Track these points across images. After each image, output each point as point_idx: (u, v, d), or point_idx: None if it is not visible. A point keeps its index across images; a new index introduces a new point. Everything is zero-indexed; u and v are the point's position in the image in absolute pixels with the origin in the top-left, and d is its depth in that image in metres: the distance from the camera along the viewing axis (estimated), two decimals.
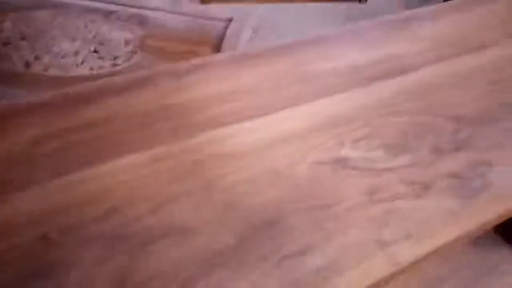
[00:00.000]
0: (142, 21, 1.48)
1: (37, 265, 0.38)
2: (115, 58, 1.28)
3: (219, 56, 0.69)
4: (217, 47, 1.34)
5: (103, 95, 0.55)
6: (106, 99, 0.55)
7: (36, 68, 1.24)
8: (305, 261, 0.39)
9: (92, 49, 1.33)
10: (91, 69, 1.24)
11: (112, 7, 1.56)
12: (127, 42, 1.36)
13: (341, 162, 0.50)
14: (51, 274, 0.37)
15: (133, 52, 1.32)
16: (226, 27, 1.46)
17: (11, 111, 0.53)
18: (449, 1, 0.86)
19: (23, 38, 1.36)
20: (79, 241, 0.40)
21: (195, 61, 0.64)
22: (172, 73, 0.61)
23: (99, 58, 1.30)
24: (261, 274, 0.38)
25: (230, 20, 1.50)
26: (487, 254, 1.02)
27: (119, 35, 1.39)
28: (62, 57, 1.30)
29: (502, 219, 0.48)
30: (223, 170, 0.47)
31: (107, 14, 1.52)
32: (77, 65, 1.25)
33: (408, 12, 0.80)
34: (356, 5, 2.33)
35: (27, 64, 1.26)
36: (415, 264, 0.42)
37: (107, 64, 1.26)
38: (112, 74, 1.21)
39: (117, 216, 0.42)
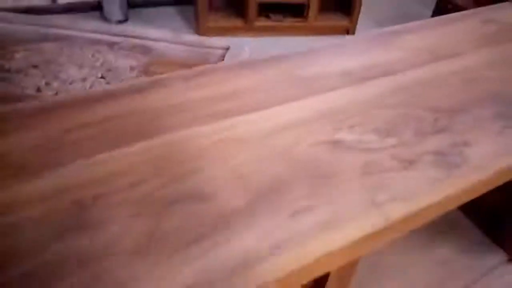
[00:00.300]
0: (145, 51, 1.59)
1: (73, 223, 0.43)
2: (121, 82, 1.37)
3: (220, 64, 0.77)
4: None
5: (125, 94, 0.63)
6: (128, 96, 0.62)
7: (47, 92, 1.32)
8: (308, 217, 0.45)
9: (99, 75, 1.41)
10: None
11: (115, 39, 1.67)
12: (132, 68, 1.45)
13: (337, 143, 0.56)
14: (85, 230, 0.42)
15: (138, 77, 1.41)
16: (223, 54, 1.57)
17: (41, 108, 0.60)
18: (426, 20, 0.97)
19: (34, 66, 1.45)
20: (110, 205, 0.45)
21: (200, 68, 0.72)
22: (181, 77, 0.69)
23: (107, 83, 1.38)
24: (270, 226, 0.44)
25: (227, 48, 1.61)
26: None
27: (124, 63, 1.49)
28: (71, 83, 1.39)
29: (478, 188, 0.54)
30: (233, 151, 0.54)
31: (111, 45, 1.62)
32: (85, 90, 1.33)
33: (392, 28, 0.90)
34: (344, 37, 2.48)
35: (38, 89, 1.33)
36: (404, 223, 0.48)
37: None
38: None
39: (143, 186, 0.48)
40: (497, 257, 1.22)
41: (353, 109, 0.63)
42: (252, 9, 2.59)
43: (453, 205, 0.54)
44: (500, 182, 0.57)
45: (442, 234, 1.26)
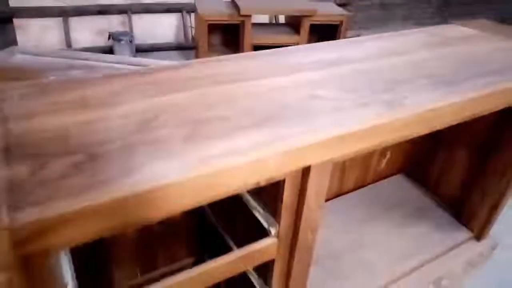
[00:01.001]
0: None
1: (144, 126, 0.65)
2: None
3: (225, 56, 1.01)
4: None
5: (161, 70, 0.87)
6: (163, 72, 0.87)
7: None
8: (289, 130, 0.68)
9: None
10: None
11: (134, 67, 1.96)
12: None
13: (316, 97, 0.81)
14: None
15: None
16: None
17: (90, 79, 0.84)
18: (388, 32, 1.26)
19: None
20: (168, 123, 0.68)
21: (212, 58, 0.97)
22: (200, 62, 0.94)
23: None
24: (267, 134, 0.67)
25: None
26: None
27: None
28: None
29: (412, 120, 0.78)
30: (243, 99, 0.78)
31: None
32: None
33: (361, 37, 1.19)
34: None
35: None
36: (354, 138, 0.71)
37: None
38: None
39: (189, 111, 0.71)
40: (463, 234, 1.42)
41: (326, 80, 0.88)
42: (247, 49, 2.94)
43: (392, 133, 0.77)
44: (425, 121, 0.80)
45: (416, 217, 1.47)
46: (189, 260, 1.29)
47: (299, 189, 0.73)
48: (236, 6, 2.22)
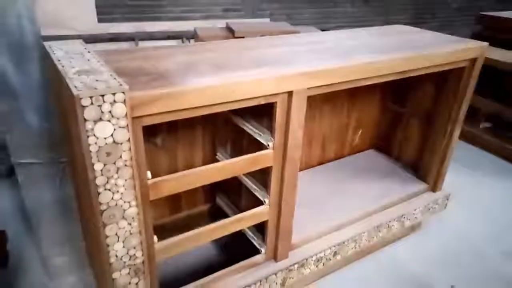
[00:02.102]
0: None
1: None
2: None
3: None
4: None
5: (194, 44, 1.27)
6: (195, 45, 1.27)
7: None
8: (282, 69, 1.07)
9: None
10: None
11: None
12: None
13: (299, 54, 1.20)
14: None
15: None
16: None
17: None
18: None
19: None
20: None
21: (224, 40, 1.38)
22: (218, 42, 1.34)
23: None
24: (264, 69, 1.06)
25: None
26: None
27: None
28: None
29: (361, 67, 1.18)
30: (248, 55, 1.17)
31: None
32: None
33: (335, 30, 1.61)
34: None
35: None
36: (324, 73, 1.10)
37: None
38: None
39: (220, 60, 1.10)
40: (421, 187, 1.79)
41: (307, 50, 1.28)
42: None
43: (345, 75, 1.16)
44: (366, 70, 1.20)
45: (384, 176, 1.84)
46: (206, 206, 1.63)
47: (286, 111, 1.11)
48: (231, 30, 2.66)
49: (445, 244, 1.84)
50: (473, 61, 1.50)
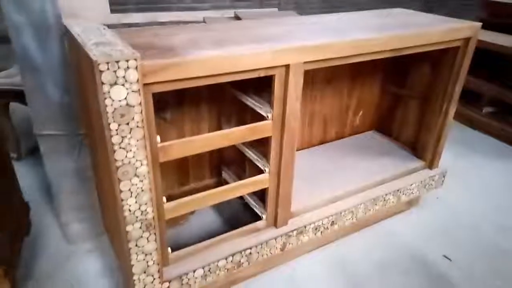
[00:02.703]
0: None
1: None
2: None
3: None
4: None
5: (200, 23, 1.37)
6: (201, 24, 1.36)
7: None
8: (279, 44, 1.17)
9: None
10: None
11: None
12: None
13: (294, 34, 1.29)
14: None
15: None
16: None
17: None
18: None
19: None
20: None
21: (235, 21, 1.47)
22: (222, 21, 1.44)
23: None
24: (263, 44, 1.15)
25: None
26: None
27: None
28: None
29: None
30: (248, 34, 1.26)
31: None
32: None
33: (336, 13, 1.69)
34: None
35: None
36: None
37: None
38: None
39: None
40: (419, 164, 1.87)
41: (302, 29, 1.37)
42: None
43: (339, 51, 1.25)
44: (359, 46, 1.28)
45: (383, 155, 1.92)
46: (212, 180, 1.74)
47: (284, 84, 1.20)
48: (238, 19, 2.77)
49: (442, 218, 1.92)
50: (467, 40, 1.57)
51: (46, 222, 1.76)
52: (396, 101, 2.02)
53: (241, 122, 1.49)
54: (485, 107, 2.81)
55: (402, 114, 2.00)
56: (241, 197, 1.62)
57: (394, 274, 1.58)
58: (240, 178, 1.65)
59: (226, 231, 1.38)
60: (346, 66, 1.88)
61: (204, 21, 2.93)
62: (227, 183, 1.71)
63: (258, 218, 1.46)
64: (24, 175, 2.06)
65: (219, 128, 1.63)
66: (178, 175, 1.67)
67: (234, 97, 1.51)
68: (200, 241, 1.36)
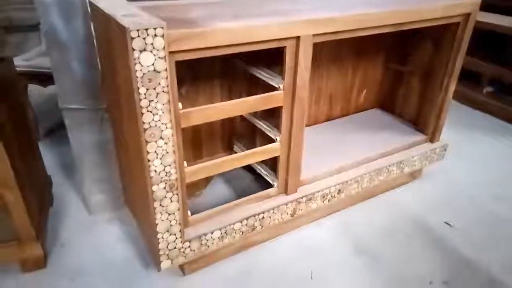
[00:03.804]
0: None
1: None
2: None
3: None
4: None
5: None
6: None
7: None
8: (290, 17, 1.25)
9: None
10: None
11: None
12: None
13: (302, 10, 1.38)
14: None
15: None
16: None
17: None
18: None
19: None
20: None
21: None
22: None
23: None
24: (276, 17, 1.23)
25: None
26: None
27: None
28: None
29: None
30: (263, 9, 1.35)
31: None
32: None
33: None
34: None
35: None
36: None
37: None
38: None
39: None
40: (421, 138, 1.96)
41: (312, 4, 1.45)
42: None
43: (344, 24, 1.33)
44: (361, 20, 1.37)
45: (386, 130, 2.01)
46: (224, 154, 1.84)
47: (294, 54, 1.29)
48: None
49: (442, 189, 2.01)
50: (467, 16, 1.65)
51: (67, 196, 1.86)
52: (398, 79, 2.10)
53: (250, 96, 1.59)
54: (485, 87, 2.89)
55: (404, 91, 2.09)
56: (252, 171, 1.72)
57: (398, 238, 1.68)
58: None
59: None
60: (351, 45, 1.97)
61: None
62: None
63: (270, 185, 1.56)
64: (43, 154, 2.16)
65: None
66: (193, 149, 1.77)
67: (244, 73, 1.60)
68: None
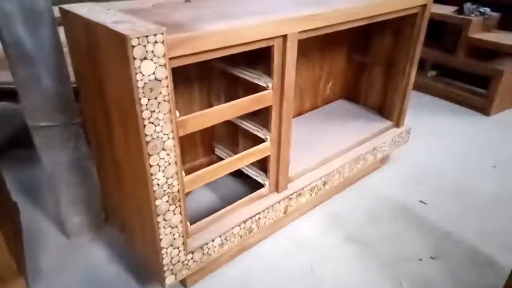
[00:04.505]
0: None
1: None
2: None
3: None
4: None
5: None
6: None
7: None
8: (276, 15, 1.25)
9: None
10: None
11: None
12: None
13: (288, 6, 1.38)
14: None
15: None
16: None
17: None
18: None
19: None
20: None
21: None
22: None
23: None
24: (262, 16, 1.22)
25: None
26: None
27: None
28: None
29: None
30: (245, 9, 1.33)
31: None
32: None
33: None
34: None
35: None
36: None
37: None
38: None
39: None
40: (387, 124, 2.07)
41: (290, 2, 1.46)
42: None
43: (328, 20, 1.36)
44: (344, 14, 1.41)
45: (354, 119, 2.09)
46: (205, 159, 1.79)
47: (282, 53, 1.29)
48: None
49: (410, 170, 2.14)
50: (424, 7, 1.76)
51: (37, 221, 1.70)
52: (361, 70, 2.19)
53: (230, 97, 1.56)
54: (429, 71, 3.12)
55: (367, 81, 2.18)
56: (235, 173, 1.70)
57: (382, 222, 1.76)
58: (234, 152, 1.73)
59: (224, 207, 1.44)
60: (316, 39, 2.01)
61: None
62: (220, 159, 1.78)
63: (253, 190, 1.54)
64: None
65: (210, 105, 1.68)
66: None
67: (222, 74, 1.58)
68: (199, 218, 1.41)
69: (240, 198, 1.47)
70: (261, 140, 1.46)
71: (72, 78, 1.35)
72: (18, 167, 2.04)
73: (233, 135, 1.69)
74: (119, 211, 1.45)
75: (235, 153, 1.70)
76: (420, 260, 1.56)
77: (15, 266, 1.26)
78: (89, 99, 1.29)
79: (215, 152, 1.80)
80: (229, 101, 1.59)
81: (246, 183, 1.79)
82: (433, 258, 1.57)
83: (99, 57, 1.06)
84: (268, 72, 1.33)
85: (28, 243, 1.57)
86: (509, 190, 1.99)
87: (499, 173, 2.13)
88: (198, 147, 1.78)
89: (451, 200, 1.91)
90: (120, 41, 0.90)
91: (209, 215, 1.41)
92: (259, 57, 1.33)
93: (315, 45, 2.02)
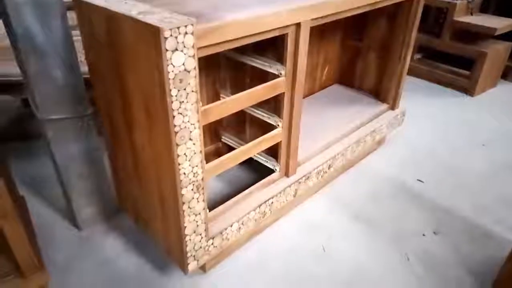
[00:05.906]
0: None
1: None
2: None
3: None
4: None
5: None
6: None
7: None
8: (290, 5, 1.26)
9: None
10: None
11: None
12: None
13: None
14: None
15: None
16: None
17: None
18: None
19: None
20: None
21: None
22: None
23: None
24: (276, 5, 1.24)
25: None
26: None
27: None
28: None
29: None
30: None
31: None
32: None
33: None
34: None
35: None
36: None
37: None
38: None
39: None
40: (383, 107, 2.13)
41: None
42: None
43: (331, 8, 1.39)
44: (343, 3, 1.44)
45: (351, 103, 2.15)
46: (213, 146, 1.81)
47: (295, 41, 1.31)
48: None
49: (405, 150, 2.23)
50: None
51: (45, 215, 1.69)
52: (355, 55, 2.24)
53: (236, 85, 1.58)
54: (415, 54, 3.20)
55: (362, 65, 2.24)
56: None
57: (383, 201, 1.84)
58: (241, 139, 1.76)
59: (231, 193, 1.47)
60: (315, 26, 2.04)
61: None
62: (227, 146, 1.81)
63: (258, 175, 1.58)
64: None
65: (217, 94, 1.69)
66: None
67: (228, 62, 1.59)
68: (212, 205, 1.44)
69: (246, 184, 1.51)
70: (268, 126, 1.50)
71: (82, 68, 1.33)
72: (18, 160, 2.00)
73: (240, 122, 1.72)
74: (135, 200, 1.46)
75: (242, 140, 1.74)
76: (424, 235, 1.65)
77: (36, 260, 1.26)
78: (104, 91, 1.28)
79: (222, 139, 1.82)
80: (235, 89, 1.62)
81: (251, 169, 1.83)
82: (435, 233, 1.66)
83: (122, 48, 1.06)
84: (279, 60, 1.36)
85: (40, 237, 1.55)
86: (498, 166, 2.11)
87: (488, 151, 2.25)
88: (205, 135, 1.80)
89: (446, 178, 2.01)
90: (151, 33, 0.90)
91: (219, 202, 1.44)
92: (269, 45, 1.35)
93: (313, 32, 2.04)
